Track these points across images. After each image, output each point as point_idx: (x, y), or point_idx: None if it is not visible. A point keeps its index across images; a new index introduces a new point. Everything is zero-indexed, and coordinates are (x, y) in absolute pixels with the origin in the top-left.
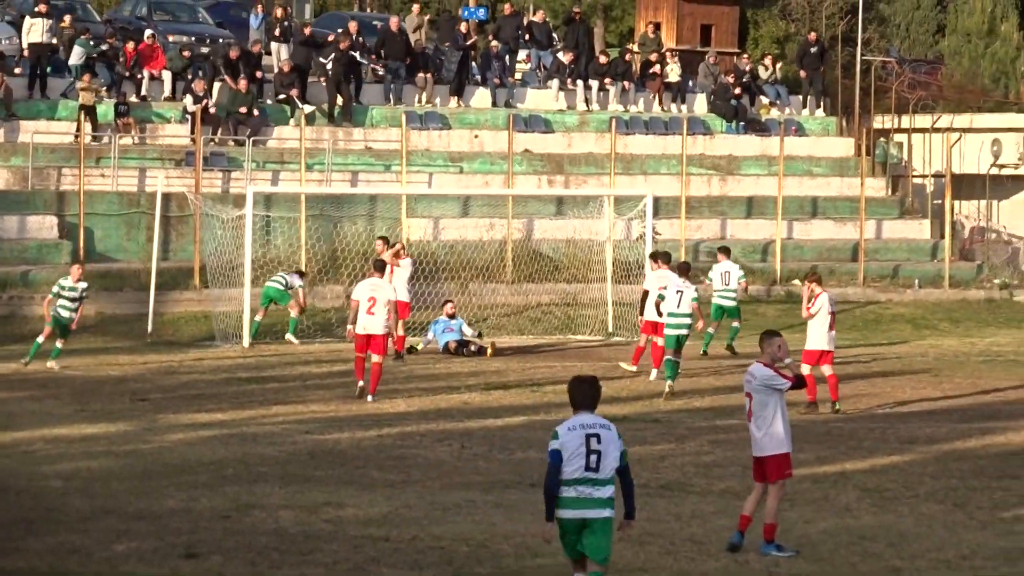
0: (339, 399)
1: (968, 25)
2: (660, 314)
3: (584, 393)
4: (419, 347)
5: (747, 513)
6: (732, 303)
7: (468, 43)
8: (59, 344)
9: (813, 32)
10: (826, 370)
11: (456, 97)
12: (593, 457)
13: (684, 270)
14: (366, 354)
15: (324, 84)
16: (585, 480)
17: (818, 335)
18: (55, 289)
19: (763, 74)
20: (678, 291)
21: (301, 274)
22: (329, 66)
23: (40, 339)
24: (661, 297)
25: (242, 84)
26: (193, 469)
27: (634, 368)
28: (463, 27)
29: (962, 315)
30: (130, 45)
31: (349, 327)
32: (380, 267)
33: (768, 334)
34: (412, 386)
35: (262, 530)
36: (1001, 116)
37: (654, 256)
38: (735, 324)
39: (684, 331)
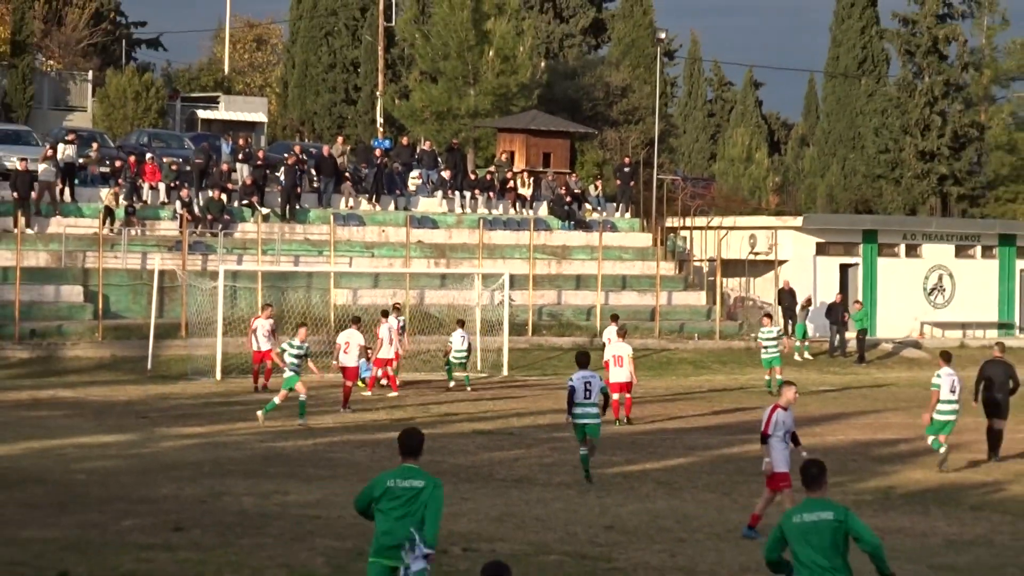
0: (285, 417)
1: (732, 153)
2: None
3: (583, 360)
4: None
5: (758, 512)
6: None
7: (381, 163)
8: (276, 400)
9: (627, 158)
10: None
11: (372, 202)
12: (588, 392)
13: (462, 324)
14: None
15: (278, 192)
16: (585, 403)
17: (614, 372)
18: (282, 346)
19: (592, 191)
20: (462, 336)
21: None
22: (284, 177)
23: (277, 400)
24: (450, 343)
25: (215, 193)
26: (180, 467)
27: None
28: (378, 152)
29: (728, 359)
30: (134, 163)
31: (334, 362)
32: (356, 320)
33: (786, 383)
34: (337, 409)
35: (230, 511)
36: (756, 218)
37: (613, 317)
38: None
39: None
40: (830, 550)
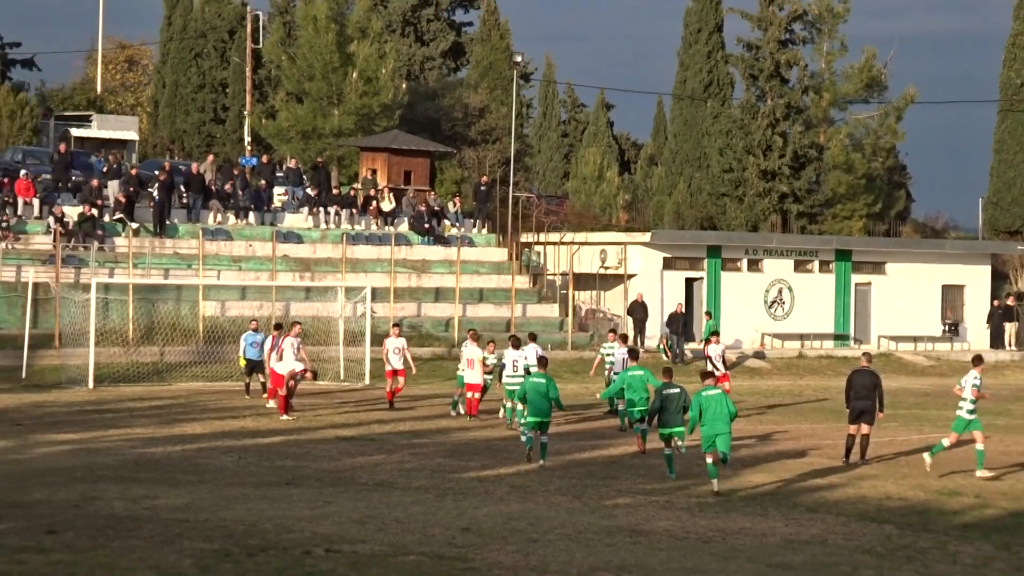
0: (155, 424)
1: (584, 172)
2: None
3: (517, 340)
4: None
5: None
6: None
7: (250, 183)
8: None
9: (484, 176)
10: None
11: (239, 218)
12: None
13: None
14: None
15: (149, 207)
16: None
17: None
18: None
19: (451, 207)
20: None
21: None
22: (155, 193)
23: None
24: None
25: (87, 209)
26: (53, 472)
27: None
28: (246, 171)
29: (580, 368)
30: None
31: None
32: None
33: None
34: (205, 416)
35: (101, 514)
36: (606, 234)
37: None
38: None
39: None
40: None
